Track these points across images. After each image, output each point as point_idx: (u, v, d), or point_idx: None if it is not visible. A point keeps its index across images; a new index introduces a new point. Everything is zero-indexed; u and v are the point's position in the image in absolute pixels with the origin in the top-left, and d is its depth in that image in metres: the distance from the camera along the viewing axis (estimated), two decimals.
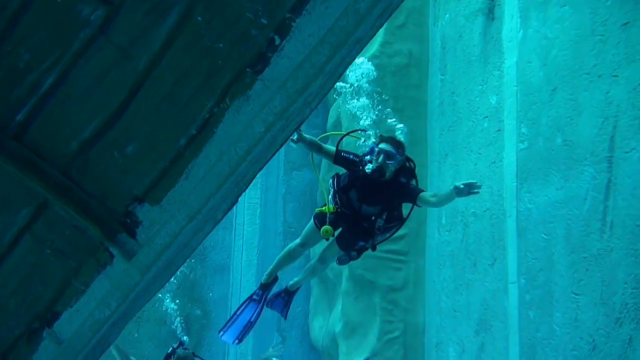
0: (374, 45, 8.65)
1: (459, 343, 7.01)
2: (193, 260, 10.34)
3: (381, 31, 8.60)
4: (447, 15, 7.83)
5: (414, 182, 5.61)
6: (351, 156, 5.64)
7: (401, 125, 6.09)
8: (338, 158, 5.64)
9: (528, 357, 5.72)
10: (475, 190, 5.10)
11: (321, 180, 6.36)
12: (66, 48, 2.98)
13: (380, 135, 5.73)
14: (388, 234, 5.62)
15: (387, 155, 5.39)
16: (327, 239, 5.76)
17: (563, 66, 5.41)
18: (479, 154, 6.84)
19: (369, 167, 5.38)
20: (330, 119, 9.77)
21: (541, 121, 5.68)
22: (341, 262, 5.87)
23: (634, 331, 4.51)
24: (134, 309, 3.50)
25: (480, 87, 6.85)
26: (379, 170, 5.35)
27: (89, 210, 3.14)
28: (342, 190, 5.66)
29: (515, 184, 6.05)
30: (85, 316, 3.23)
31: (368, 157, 5.46)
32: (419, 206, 5.49)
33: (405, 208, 5.54)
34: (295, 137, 5.50)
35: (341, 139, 5.83)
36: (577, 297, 5.08)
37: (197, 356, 7.16)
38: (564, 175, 5.32)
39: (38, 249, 3.18)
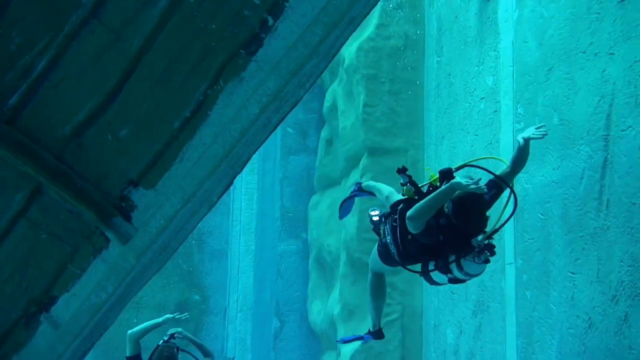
0: (369, 28, 8.61)
1: (456, 324, 7.03)
2: (193, 241, 10.36)
3: (377, 13, 8.58)
4: None
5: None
6: None
7: None
8: None
9: (525, 336, 5.73)
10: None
11: None
12: (58, 31, 2.97)
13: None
14: None
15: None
16: None
17: (559, 45, 5.39)
18: (476, 135, 6.83)
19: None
20: (326, 103, 9.76)
21: (537, 101, 5.67)
22: None
23: (629, 308, 4.52)
24: (130, 293, 3.51)
25: (477, 68, 6.84)
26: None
27: (83, 194, 3.14)
28: None
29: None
30: (82, 300, 3.24)
31: None
32: None
33: None
34: None
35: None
36: (573, 276, 5.09)
37: (183, 350, 7.15)
38: (561, 155, 5.31)
39: (33, 234, 3.18)
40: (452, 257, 4.41)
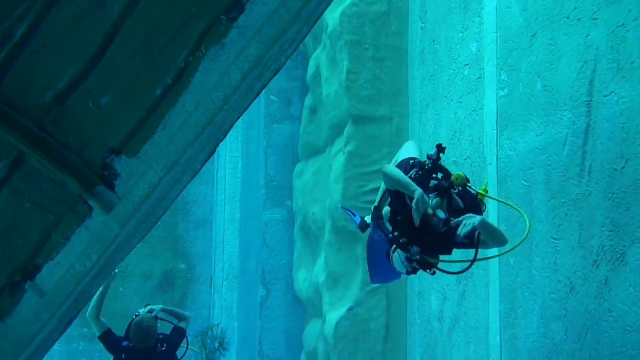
0: None
1: (440, 291, 7.10)
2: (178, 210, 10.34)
3: None
4: None
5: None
6: None
7: None
8: None
9: (508, 302, 5.80)
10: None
11: None
12: None
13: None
14: None
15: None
16: None
17: (542, 11, 5.38)
18: (460, 102, 6.83)
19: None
20: (310, 70, 9.71)
21: (521, 67, 5.67)
22: None
23: (609, 272, 4.58)
24: (114, 261, 3.51)
25: (461, 34, 6.81)
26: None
27: (66, 163, 3.12)
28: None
29: (495, 131, 6.07)
30: (66, 268, 3.24)
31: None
32: None
33: None
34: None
35: None
36: (556, 241, 5.14)
37: (162, 319, 7.17)
38: (544, 121, 5.33)
39: (16, 203, 3.16)
40: (415, 248, 4.36)
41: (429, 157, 4.61)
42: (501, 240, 4.47)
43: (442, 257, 4.50)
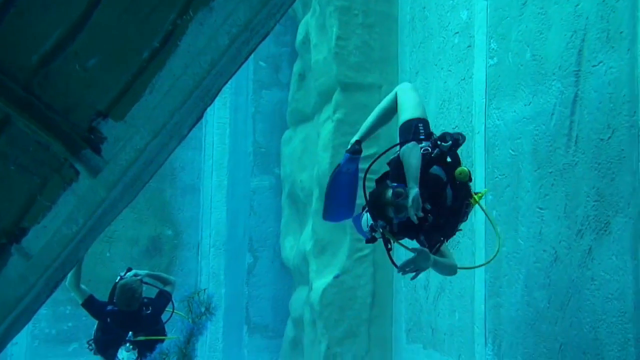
0: None
1: None
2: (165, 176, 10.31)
3: None
4: None
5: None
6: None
7: None
8: None
9: (493, 271, 5.85)
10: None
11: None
12: None
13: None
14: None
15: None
16: None
17: None
18: (449, 71, 6.82)
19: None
20: (299, 36, 9.64)
21: (511, 36, 5.65)
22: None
23: (593, 242, 4.62)
24: (101, 225, 3.50)
25: (451, 1, 6.78)
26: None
27: (52, 126, 3.10)
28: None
29: (484, 100, 6.07)
30: (52, 232, 3.23)
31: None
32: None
33: None
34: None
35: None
36: (542, 211, 5.18)
37: (147, 283, 7.18)
38: (532, 91, 5.33)
39: (1, 166, 3.14)
40: (382, 222, 4.36)
41: (441, 141, 4.47)
42: (449, 273, 4.65)
43: (404, 242, 4.51)
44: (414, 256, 4.30)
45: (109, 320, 6.91)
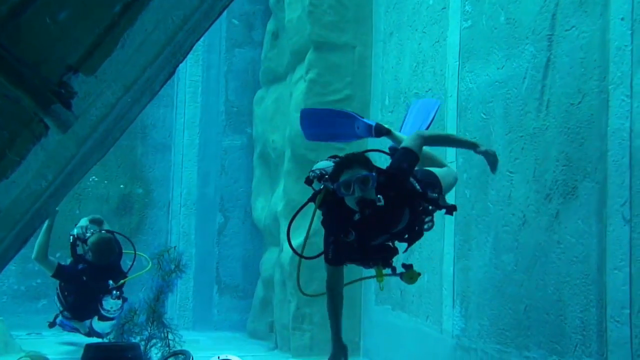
0: None
1: None
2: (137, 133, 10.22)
3: None
4: None
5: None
6: None
7: None
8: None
9: (462, 234, 5.92)
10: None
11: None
12: None
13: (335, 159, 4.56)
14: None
15: (362, 181, 4.23)
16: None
17: None
18: (424, 32, 6.80)
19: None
20: None
21: None
22: None
23: (560, 206, 4.69)
24: (71, 181, 3.48)
25: None
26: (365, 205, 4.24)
27: (21, 79, 3.04)
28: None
29: (457, 63, 6.07)
30: (21, 187, 3.20)
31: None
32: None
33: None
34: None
35: None
36: (511, 175, 5.23)
37: (120, 233, 7.18)
38: (505, 55, 5.35)
39: None
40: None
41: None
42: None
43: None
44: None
45: (85, 278, 6.89)
